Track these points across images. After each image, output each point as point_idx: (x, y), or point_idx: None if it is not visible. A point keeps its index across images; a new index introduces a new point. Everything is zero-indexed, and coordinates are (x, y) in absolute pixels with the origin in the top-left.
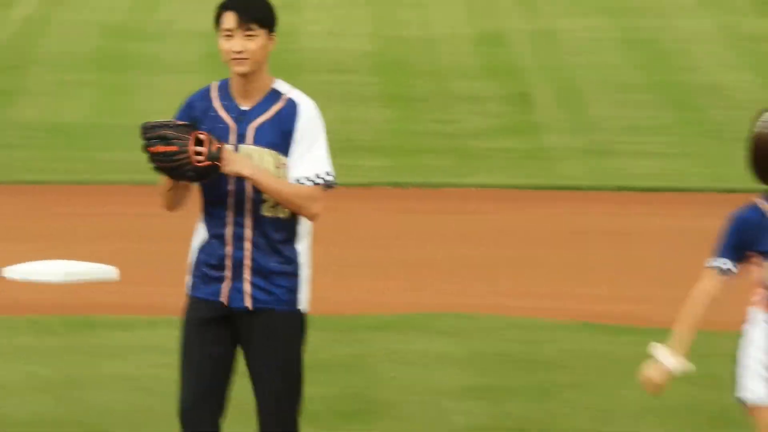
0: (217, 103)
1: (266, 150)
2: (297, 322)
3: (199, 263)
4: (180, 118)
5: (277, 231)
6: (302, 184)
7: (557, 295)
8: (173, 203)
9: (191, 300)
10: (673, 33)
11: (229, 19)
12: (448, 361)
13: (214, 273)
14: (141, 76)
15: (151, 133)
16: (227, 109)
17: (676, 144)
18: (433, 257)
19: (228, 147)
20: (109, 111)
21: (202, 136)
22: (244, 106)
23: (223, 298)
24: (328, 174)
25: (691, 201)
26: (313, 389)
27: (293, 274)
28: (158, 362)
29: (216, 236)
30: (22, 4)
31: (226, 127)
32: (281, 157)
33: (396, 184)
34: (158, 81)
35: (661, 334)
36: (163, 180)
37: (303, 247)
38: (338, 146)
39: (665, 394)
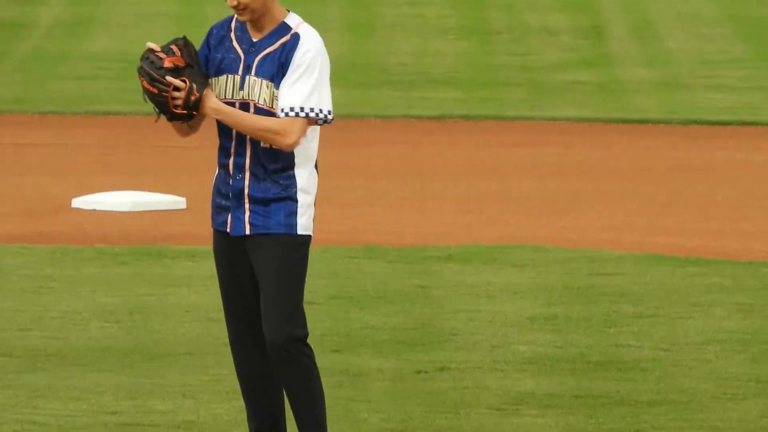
0: (233, 34)
1: (264, 81)
2: (293, 245)
3: (213, 194)
4: (201, 45)
5: (274, 161)
6: (285, 114)
7: (626, 228)
8: (180, 131)
9: (213, 231)
10: None
11: None
12: (514, 293)
13: (222, 202)
14: (211, 5)
15: (144, 63)
16: (240, 41)
17: (750, 78)
18: (503, 190)
19: (207, 94)
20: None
21: (181, 85)
22: (255, 38)
23: (228, 228)
24: (309, 109)
25: (760, 135)
26: (380, 319)
27: (291, 199)
28: None
29: (223, 166)
30: None
31: (238, 57)
32: (277, 90)
33: (469, 117)
34: (228, 11)
35: (728, 266)
36: None
37: (302, 173)
38: (412, 79)
39: (727, 324)
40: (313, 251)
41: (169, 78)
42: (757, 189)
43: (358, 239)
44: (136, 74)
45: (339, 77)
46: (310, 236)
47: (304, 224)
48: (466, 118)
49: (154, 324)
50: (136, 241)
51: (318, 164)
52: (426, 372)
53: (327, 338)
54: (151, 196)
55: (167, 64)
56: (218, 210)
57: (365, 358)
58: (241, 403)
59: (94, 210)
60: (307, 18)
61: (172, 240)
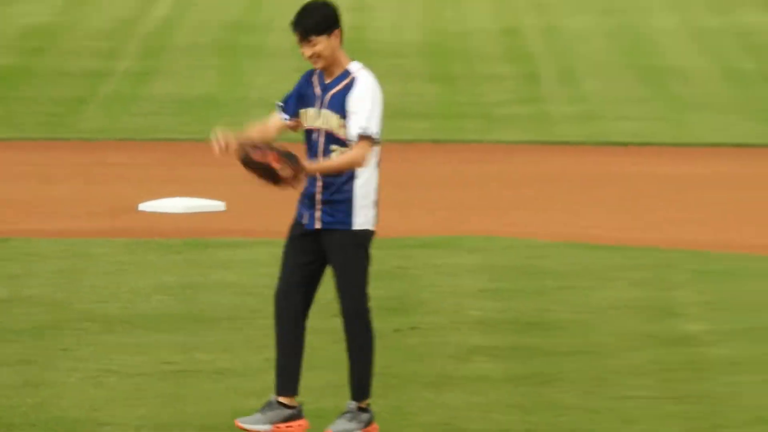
0: (314, 79)
1: (333, 113)
2: (352, 237)
3: (301, 194)
4: (297, 86)
5: (338, 173)
6: (352, 139)
7: (552, 223)
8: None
9: (294, 220)
10: (646, 27)
11: (296, 36)
12: (468, 271)
13: (305, 201)
14: (249, 60)
15: (249, 158)
16: (320, 81)
17: (648, 111)
18: (462, 195)
19: (303, 164)
20: (224, 88)
21: (281, 162)
22: (327, 81)
23: (305, 220)
24: (370, 132)
25: (654, 153)
26: (370, 291)
27: (349, 202)
28: (254, 272)
29: (308, 176)
30: (161, 7)
31: (314, 95)
32: (341, 119)
33: (437, 141)
34: (262, 65)
35: (627, 250)
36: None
37: (360, 182)
38: (394, 112)
39: (626, 294)
40: None
41: (271, 164)
42: (652, 192)
43: None
44: (192, 110)
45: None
46: (367, 230)
47: (360, 222)
48: (434, 141)
49: (200, 297)
50: (187, 235)
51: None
52: (402, 330)
53: (329, 306)
54: (199, 201)
55: (256, 156)
56: (300, 206)
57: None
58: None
59: (156, 212)
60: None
61: (215, 234)
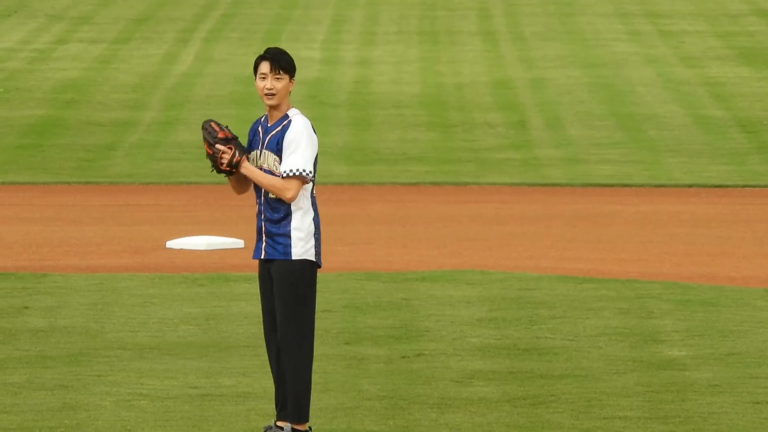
0: (260, 126)
1: (270, 152)
2: (291, 267)
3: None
4: (249, 136)
5: (277, 209)
6: (283, 176)
7: (543, 258)
8: (235, 189)
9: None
10: (624, 79)
11: (265, 67)
12: (467, 302)
13: (256, 235)
14: (261, 110)
15: (204, 132)
16: (263, 126)
17: (626, 155)
18: (459, 232)
19: (243, 159)
20: (239, 135)
21: (226, 149)
22: (269, 124)
23: (255, 253)
24: (299, 171)
25: (633, 193)
26: (377, 321)
27: (288, 236)
28: None
29: (257, 212)
30: (182, 63)
31: (259, 139)
32: (277, 158)
33: (435, 183)
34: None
35: (612, 283)
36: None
37: (297, 218)
38: (396, 157)
39: (611, 322)
40: (330, 274)
41: (218, 146)
42: (631, 230)
43: (361, 267)
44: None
45: (347, 157)
46: (306, 260)
47: (298, 253)
48: (433, 184)
49: (222, 326)
50: (209, 270)
51: (315, 209)
52: (408, 357)
53: (340, 335)
54: (219, 239)
55: (221, 135)
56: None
57: (366, 347)
58: None
59: (181, 249)
60: (325, 120)
61: (234, 269)
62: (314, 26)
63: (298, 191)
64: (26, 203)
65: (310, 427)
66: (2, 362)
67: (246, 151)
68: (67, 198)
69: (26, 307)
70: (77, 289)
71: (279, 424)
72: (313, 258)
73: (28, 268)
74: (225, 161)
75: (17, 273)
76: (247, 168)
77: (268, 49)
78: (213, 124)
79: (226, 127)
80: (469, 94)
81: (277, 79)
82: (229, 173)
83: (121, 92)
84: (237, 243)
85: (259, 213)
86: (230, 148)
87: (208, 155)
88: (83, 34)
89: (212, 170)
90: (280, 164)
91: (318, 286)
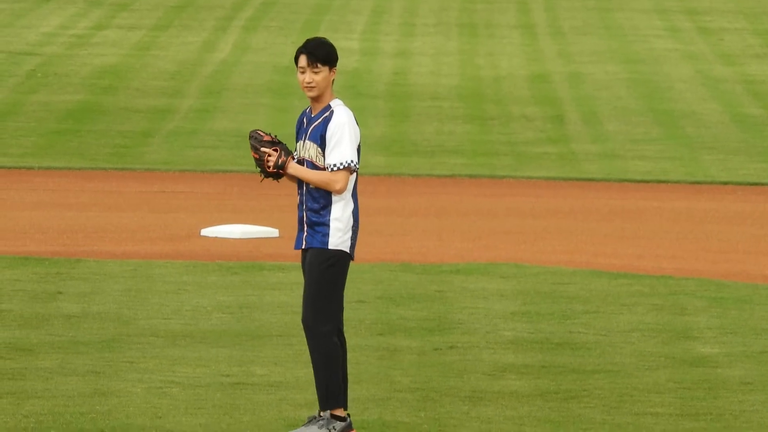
0: (304, 117)
1: (313, 143)
2: (326, 255)
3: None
4: (296, 127)
5: (317, 199)
6: (329, 169)
7: (577, 252)
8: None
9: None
10: (663, 76)
11: (302, 60)
12: (501, 295)
13: (298, 225)
14: (298, 100)
15: (251, 140)
16: (307, 117)
17: (662, 151)
18: (495, 225)
19: (289, 160)
20: (276, 124)
21: (273, 151)
22: (313, 114)
23: (296, 243)
24: (346, 162)
25: (669, 190)
26: (410, 313)
27: (327, 225)
28: None
29: (299, 202)
30: (220, 51)
31: (302, 129)
32: (320, 149)
33: (472, 176)
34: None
35: (646, 278)
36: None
37: (338, 208)
38: (433, 150)
39: (645, 318)
40: (364, 265)
41: (264, 148)
42: (667, 226)
43: (396, 258)
44: (248, 146)
45: (384, 149)
46: (341, 251)
47: (335, 243)
48: (470, 176)
49: (255, 315)
50: (244, 258)
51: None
52: (441, 349)
53: (374, 326)
54: (254, 228)
55: (266, 138)
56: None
57: (400, 339)
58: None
59: (216, 237)
60: (363, 111)
61: (269, 258)
62: (353, 16)
63: (347, 183)
64: (62, 188)
65: (348, 414)
66: (35, 347)
67: (291, 152)
68: (103, 184)
69: (60, 293)
70: (111, 275)
71: (322, 414)
72: (347, 249)
73: (62, 253)
74: (271, 163)
75: (52, 258)
76: (294, 168)
77: (307, 41)
78: (259, 131)
79: (273, 135)
80: (507, 87)
81: (315, 72)
82: (276, 175)
83: (159, 79)
84: (272, 232)
85: (301, 203)
86: (275, 150)
87: (256, 160)
88: (122, 20)
89: (261, 177)
90: (322, 155)
91: (352, 276)
